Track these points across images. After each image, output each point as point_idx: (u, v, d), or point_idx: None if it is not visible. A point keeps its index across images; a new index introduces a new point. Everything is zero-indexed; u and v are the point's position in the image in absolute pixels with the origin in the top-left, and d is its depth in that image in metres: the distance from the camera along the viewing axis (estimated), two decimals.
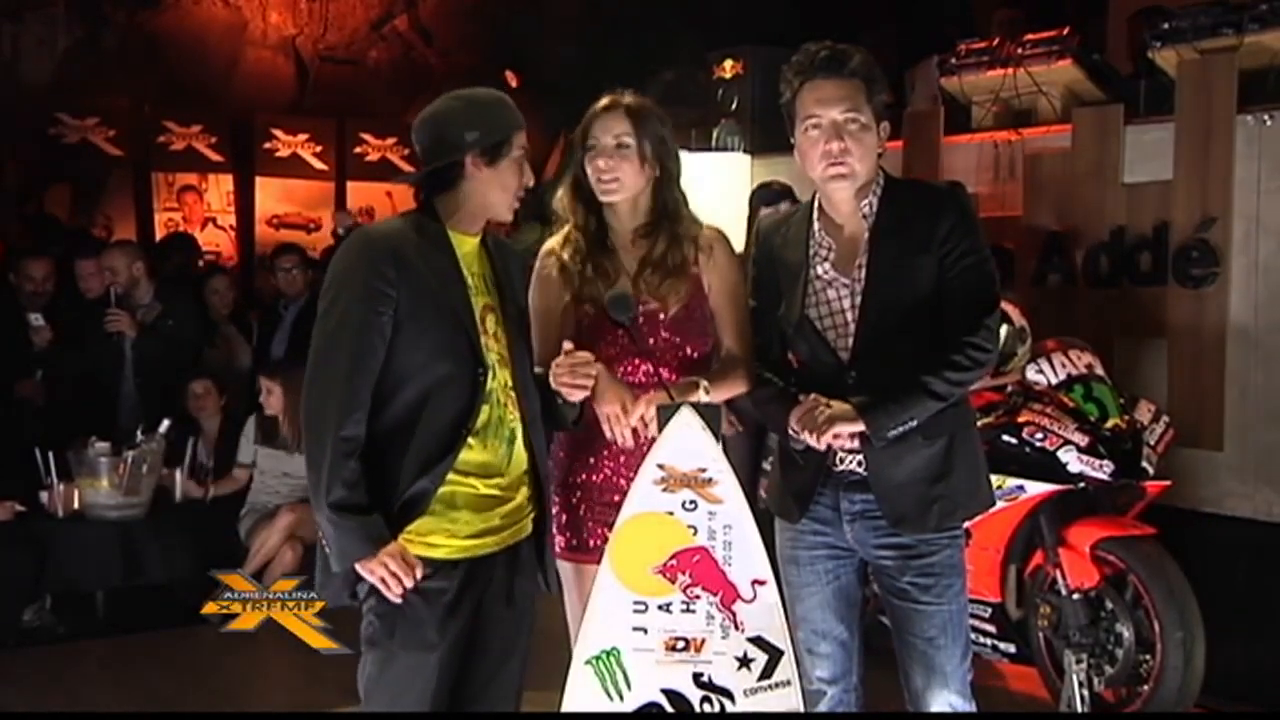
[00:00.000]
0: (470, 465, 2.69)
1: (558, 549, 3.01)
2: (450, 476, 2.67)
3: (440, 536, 2.68)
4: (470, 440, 2.68)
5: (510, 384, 2.76)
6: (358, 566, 2.61)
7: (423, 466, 2.65)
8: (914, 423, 2.76)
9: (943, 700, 2.89)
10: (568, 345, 2.74)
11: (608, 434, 2.85)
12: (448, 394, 2.66)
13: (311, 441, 2.63)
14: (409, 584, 2.61)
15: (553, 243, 3.09)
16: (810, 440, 2.75)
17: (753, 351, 2.99)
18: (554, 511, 3.00)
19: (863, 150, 2.82)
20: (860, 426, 2.74)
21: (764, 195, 5.12)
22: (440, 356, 2.65)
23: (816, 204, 2.95)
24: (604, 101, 3.02)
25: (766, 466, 4.09)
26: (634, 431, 2.83)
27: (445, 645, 2.68)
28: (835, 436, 2.74)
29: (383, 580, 2.61)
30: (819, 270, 2.89)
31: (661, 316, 2.95)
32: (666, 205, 3.01)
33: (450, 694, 2.74)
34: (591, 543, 2.92)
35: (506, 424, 2.74)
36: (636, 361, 2.95)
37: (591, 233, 3.03)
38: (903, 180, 3.02)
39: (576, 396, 2.72)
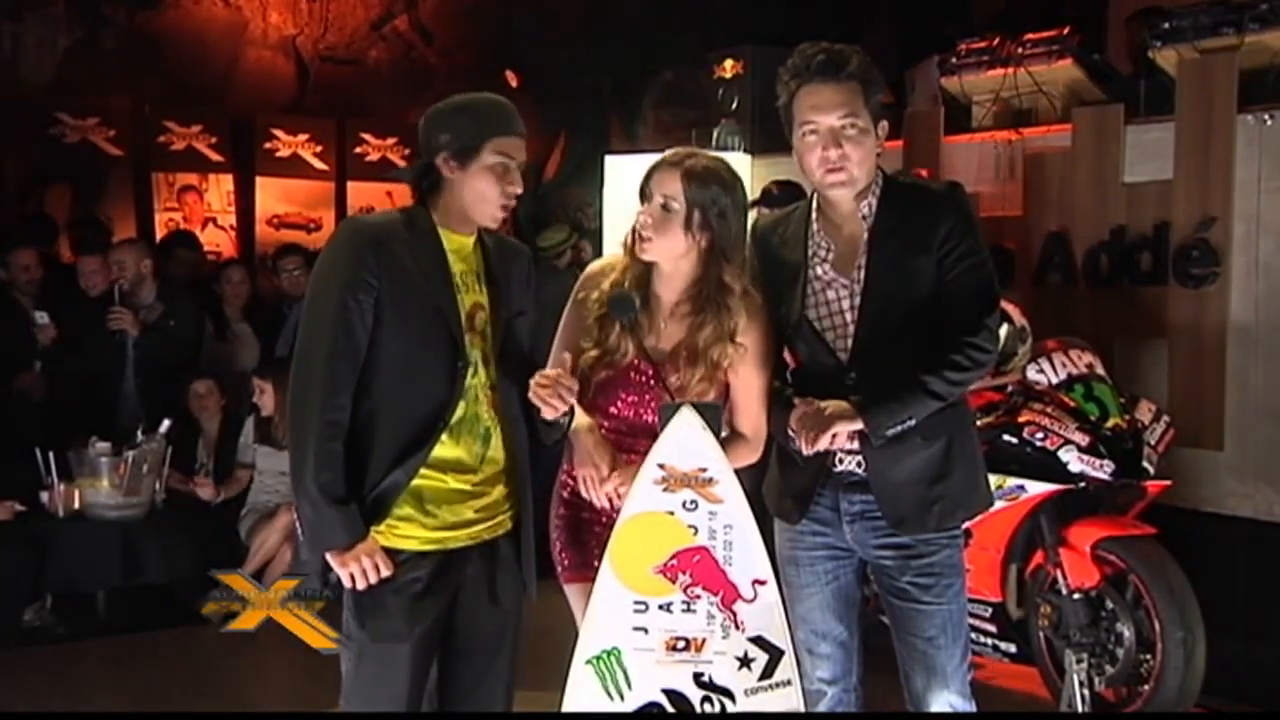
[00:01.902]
0: (442, 461, 2.70)
1: (566, 572, 2.99)
2: (421, 471, 2.68)
3: (410, 528, 2.69)
4: (444, 436, 2.68)
5: (490, 382, 2.76)
6: (329, 557, 2.63)
7: (396, 458, 2.66)
8: (912, 422, 2.76)
9: (943, 700, 2.89)
10: (566, 357, 2.74)
11: (582, 491, 2.86)
12: (425, 386, 2.67)
13: (295, 425, 2.64)
14: (374, 580, 2.63)
15: (601, 268, 3.01)
16: (804, 446, 2.75)
17: (763, 431, 2.93)
18: (561, 541, 3.00)
19: (862, 154, 2.81)
20: (859, 425, 2.74)
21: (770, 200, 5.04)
22: (419, 348, 2.66)
23: (815, 204, 2.94)
24: (668, 154, 2.91)
25: None
26: (608, 495, 2.84)
27: (417, 637, 2.68)
28: (834, 436, 2.74)
29: (351, 576, 2.63)
30: (818, 271, 2.89)
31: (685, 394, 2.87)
32: (711, 284, 2.86)
33: (439, 692, 2.76)
34: (595, 563, 2.87)
35: (482, 422, 2.74)
36: (644, 426, 2.90)
37: (637, 288, 2.91)
38: (901, 180, 3.00)
39: (548, 413, 2.70)
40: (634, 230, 2.89)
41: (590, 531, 2.95)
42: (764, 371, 2.92)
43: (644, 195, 2.89)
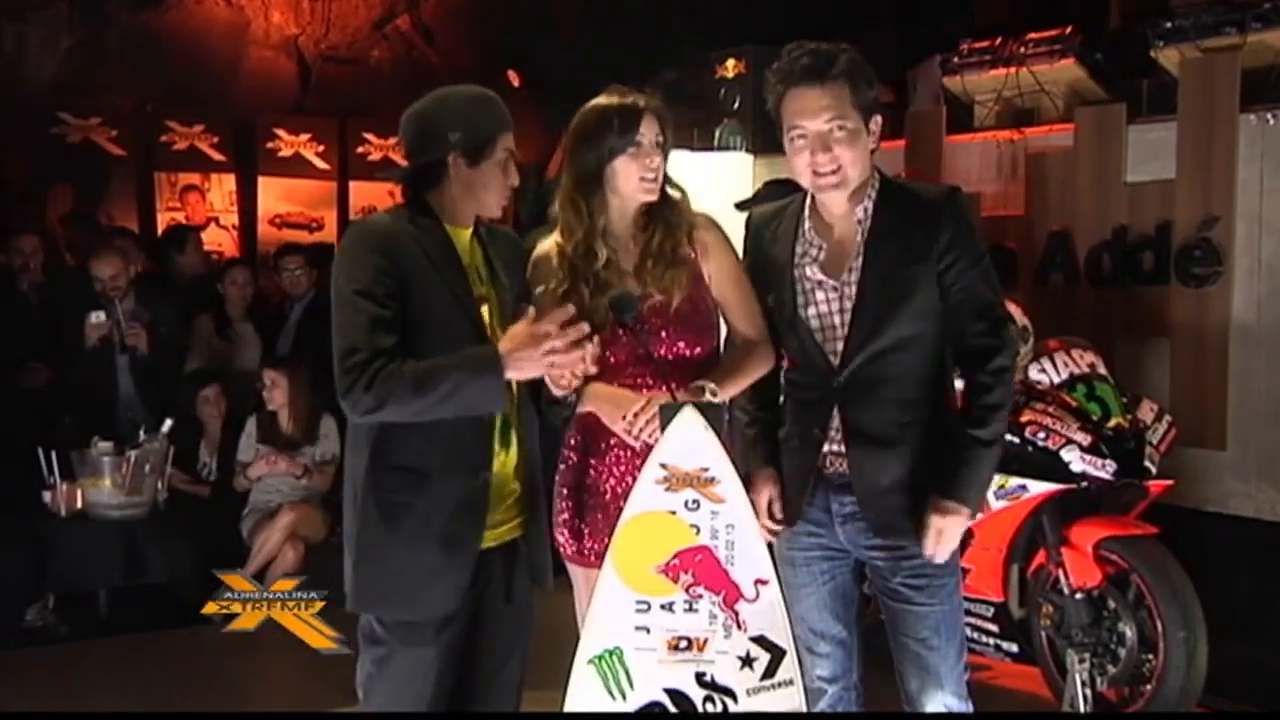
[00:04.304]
0: None
1: (569, 552, 3.01)
2: None
3: None
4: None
5: None
6: (516, 371, 2.56)
7: (455, 468, 2.64)
8: (993, 475, 2.87)
9: (938, 701, 2.87)
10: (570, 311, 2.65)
11: (628, 439, 2.82)
12: None
13: (402, 393, 2.52)
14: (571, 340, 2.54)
15: (545, 253, 3.01)
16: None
17: (765, 329, 2.96)
18: (566, 515, 3.00)
19: (853, 155, 2.78)
20: (966, 521, 2.79)
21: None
22: (447, 348, 2.61)
23: (809, 202, 2.92)
24: (637, 100, 2.93)
25: None
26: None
27: (443, 642, 2.67)
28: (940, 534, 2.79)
29: (549, 362, 2.55)
30: (806, 271, 2.87)
31: (669, 308, 2.91)
32: (664, 197, 2.97)
33: (452, 692, 2.74)
34: (602, 546, 2.88)
35: (503, 415, 2.71)
36: (640, 371, 2.91)
37: (590, 244, 2.94)
38: (898, 182, 2.97)
39: (567, 380, 2.67)
40: (638, 178, 2.91)
41: (594, 512, 2.95)
42: (737, 266, 2.98)
43: (632, 141, 2.90)
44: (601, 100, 2.97)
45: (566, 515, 3.01)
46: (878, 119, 2.85)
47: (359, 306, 2.57)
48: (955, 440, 2.79)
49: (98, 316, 5.96)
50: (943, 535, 2.76)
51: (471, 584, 2.69)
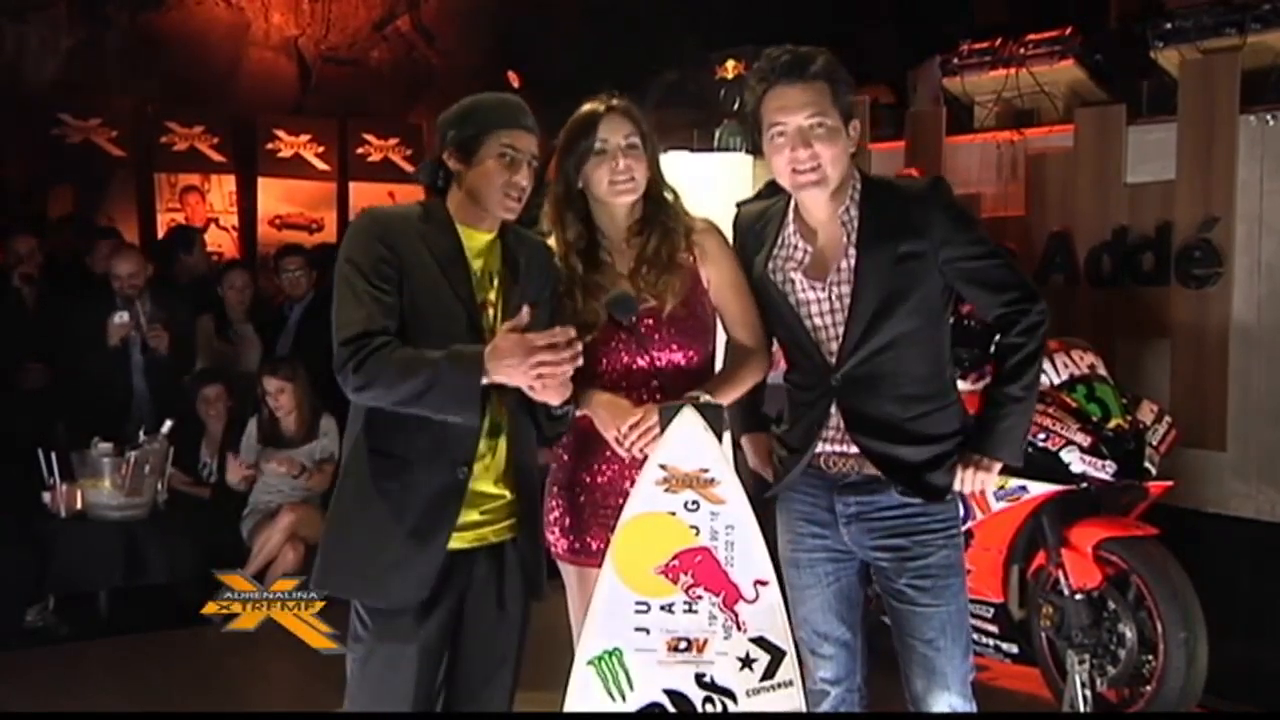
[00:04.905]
0: None
1: (561, 551, 3.00)
2: None
3: None
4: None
5: None
6: (502, 375, 2.55)
7: (439, 461, 2.64)
8: (1030, 423, 2.94)
9: (943, 702, 2.87)
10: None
11: (621, 450, 2.82)
12: None
13: (388, 377, 2.55)
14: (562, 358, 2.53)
15: None
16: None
17: (762, 337, 2.96)
18: (557, 514, 2.99)
19: (833, 153, 2.77)
20: (998, 467, 2.85)
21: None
22: (441, 339, 2.60)
23: (792, 206, 2.91)
24: (597, 106, 2.95)
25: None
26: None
27: (424, 639, 2.66)
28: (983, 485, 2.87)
29: (538, 373, 2.53)
30: (791, 275, 2.87)
31: (661, 314, 2.89)
32: (657, 199, 2.97)
33: (446, 695, 2.75)
34: (595, 545, 2.89)
35: (491, 417, 2.71)
36: (633, 375, 2.90)
37: (582, 250, 2.95)
38: (880, 180, 2.97)
39: (552, 397, 2.64)
40: (608, 181, 2.90)
41: (588, 511, 2.94)
42: (737, 272, 2.95)
43: (597, 149, 2.91)
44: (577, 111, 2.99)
45: (558, 514, 2.99)
46: (856, 124, 2.85)
47: (357, 287, 2.61)
48: (985, 400, 2.88)
49: (121, 317, 5.97)
50: (968, 485, 2.84)
51: (445, 582, 2.67)
